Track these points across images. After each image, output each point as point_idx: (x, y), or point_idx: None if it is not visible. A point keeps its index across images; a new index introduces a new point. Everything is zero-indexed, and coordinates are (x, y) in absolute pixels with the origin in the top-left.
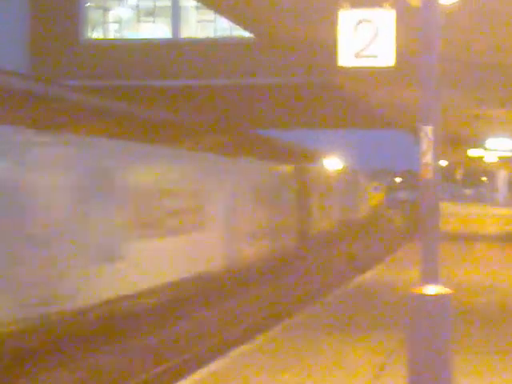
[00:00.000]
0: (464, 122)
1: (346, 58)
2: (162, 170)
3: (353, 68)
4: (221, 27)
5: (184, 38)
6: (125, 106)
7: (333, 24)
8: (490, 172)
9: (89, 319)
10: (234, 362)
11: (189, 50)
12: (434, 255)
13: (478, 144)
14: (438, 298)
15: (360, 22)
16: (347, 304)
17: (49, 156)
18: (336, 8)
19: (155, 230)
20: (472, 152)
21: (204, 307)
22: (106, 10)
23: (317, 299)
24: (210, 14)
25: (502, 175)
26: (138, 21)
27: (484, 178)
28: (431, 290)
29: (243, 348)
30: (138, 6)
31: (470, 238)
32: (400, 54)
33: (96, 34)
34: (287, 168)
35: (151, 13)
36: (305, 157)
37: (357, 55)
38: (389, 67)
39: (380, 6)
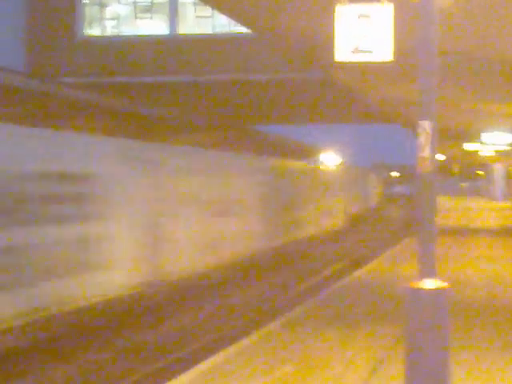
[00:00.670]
0: (460, 115)
1: (343, 53)
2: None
3: (350, 63)
4: (219, 23)
5: (182, 35)
6: None
7: (331, 19)
8: (486, 166)
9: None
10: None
11: (187, 47)
12: (431, 249)
13: (475, 138)
14: (435, 292)
15: (358, 16)
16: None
17: None
18: (334, 3)
19: None
20: (468, 146)
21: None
22: (103, 6)
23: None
24: (207, 10)
25: (498, 169)
26: (136, 17)
27: (480, 172)
28: (428, 284)
29: None
30: (135, 3)
31: (468, 232)
32: (397, 49)
33: (93, 31)
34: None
35: (149, 9)
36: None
37: (354, 50)
38: (386, 62)
39: (378, 0)
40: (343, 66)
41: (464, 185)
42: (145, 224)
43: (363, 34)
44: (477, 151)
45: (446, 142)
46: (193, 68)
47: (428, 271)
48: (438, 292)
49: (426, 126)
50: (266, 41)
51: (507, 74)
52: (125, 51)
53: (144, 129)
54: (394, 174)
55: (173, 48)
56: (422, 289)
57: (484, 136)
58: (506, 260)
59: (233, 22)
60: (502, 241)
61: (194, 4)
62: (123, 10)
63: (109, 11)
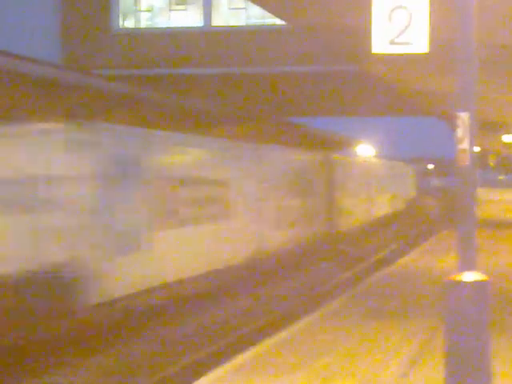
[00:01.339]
0: (498, 107)
1: (379, 44)
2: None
3: (386, 55)
4: (253, 14)
5: (215, 26)
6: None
7: (366, 11)
8: None
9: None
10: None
11: (220, 38)
12: (471, 242)
13: None
14: (475, 284)
15: (394, 8)
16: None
17: None
18: None
19: None
20: (506, 138)
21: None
22: None
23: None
24: (241, 2)
25: None
26: (170, 9)
27: None
28: (469, 276)
29: None
30: None
31: (506, 225)
32: (435, 40)
33: (128, 23)
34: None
35: (183, 1)
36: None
37: (391, 42)
38: (423, 54)
39: None
40: (379, 58)
41: (502, 177)
42: (253, 211)
43: (400, 26)
44: None
45: (483, 135)
46: (227, 60)
47: (468, 264)
48: (478, 285)
49: (464, 118)
50: (301, 33)
51: None
52: (159, 43)
53: (185, 121)
54: (431, 166)
55: (206, 40)
56: (461, 281)
57: None
58: None
59: (267, 14)
60: None
61: None
62: (158, 1)
63: (143, 3)
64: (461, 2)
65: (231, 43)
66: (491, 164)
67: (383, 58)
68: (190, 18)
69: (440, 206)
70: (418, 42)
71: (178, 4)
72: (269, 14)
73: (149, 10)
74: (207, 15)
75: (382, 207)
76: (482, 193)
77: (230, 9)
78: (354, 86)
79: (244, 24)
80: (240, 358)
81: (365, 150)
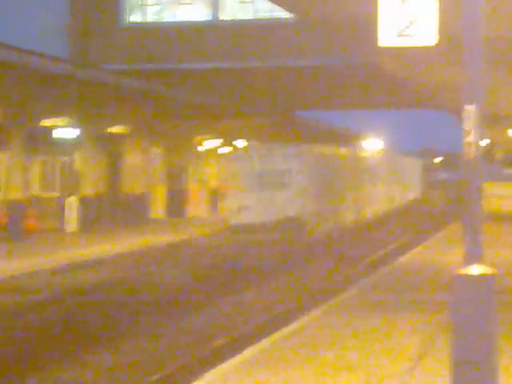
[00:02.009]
0: (504, 100)
1: (386, 37)
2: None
3: (394, 48)
4: (261, 8)
5: (223, 20)
6: None
7: (375, 3)
8: None
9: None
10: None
11: (228, 32)
12: (477, 235)
13: None
14: (482, 278)
15: (402, 0)
16: None
17: None
18: None
19: None
20: None
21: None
22: None
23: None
24: None
25: None
26: (178, 3)
27: None
28: (475, 270)
29: None
30: None
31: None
32: (443, 33)
33: (135, 18)
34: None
35: None
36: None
37: (398, 35)
38: (430, 46)
39: None
40: (387, 51)
41: (509, 171)
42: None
43: (407, 19)
44: None
45: (489, 128)
46: (234, 54)
47: (475, 257)
48: (485, 278)
49: (472, 110)
50: (309, 26)
51: None
52: (166, 37)
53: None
54: (438, 160)
55: (214, 34)
56: (468, 275)
57: None
58: None
59: (275, 7)
60: None
61: None
62: None
63: None
64: None
65: (239, 37)
66: (498, 158)
67: (391, 52)
68: (197, 12)
69: (447, 200)
70: (426, 34)
71: None
72: (277, 8)
73: (157, 4)
74: (215, 9)
75: (397, 198)
76: (488, 187)
77: (237, 2)
78: (362, 79)
79: (252, 18)
80: (249, 351)
81: (374, 144)
